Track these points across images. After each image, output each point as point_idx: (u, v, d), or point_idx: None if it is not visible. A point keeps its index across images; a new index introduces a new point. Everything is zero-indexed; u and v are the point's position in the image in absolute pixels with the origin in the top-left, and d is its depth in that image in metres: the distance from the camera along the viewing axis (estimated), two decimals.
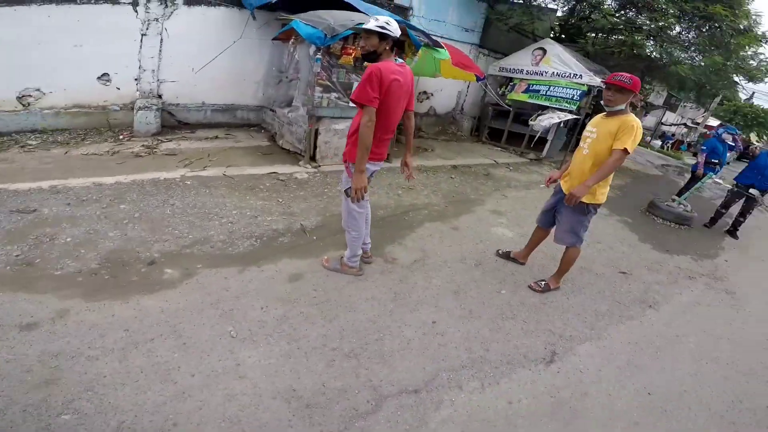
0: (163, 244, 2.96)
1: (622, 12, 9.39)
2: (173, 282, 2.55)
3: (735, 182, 6.02)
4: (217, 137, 5.65)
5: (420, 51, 5.39)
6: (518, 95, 8.59)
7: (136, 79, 5.49)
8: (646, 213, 6.21)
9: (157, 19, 5.37)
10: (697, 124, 22.59)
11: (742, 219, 5.91)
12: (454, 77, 7.22)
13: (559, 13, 10.94)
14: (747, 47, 9.14)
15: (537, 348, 2.55)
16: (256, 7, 5.48)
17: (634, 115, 2.69)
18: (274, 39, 5.62)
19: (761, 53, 9.96)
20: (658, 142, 17.83)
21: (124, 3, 5.07)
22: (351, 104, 5.12)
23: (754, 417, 2.35)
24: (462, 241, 3.92)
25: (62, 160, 4.18)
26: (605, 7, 9.55)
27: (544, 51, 8.35)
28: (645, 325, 3.10)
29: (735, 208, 6.12)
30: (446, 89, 8.96)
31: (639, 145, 2.61)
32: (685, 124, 22.53)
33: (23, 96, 4.94)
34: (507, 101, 8.74)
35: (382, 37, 2.37)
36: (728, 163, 9.22)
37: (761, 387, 2.62)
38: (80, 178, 3.78)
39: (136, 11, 5.19)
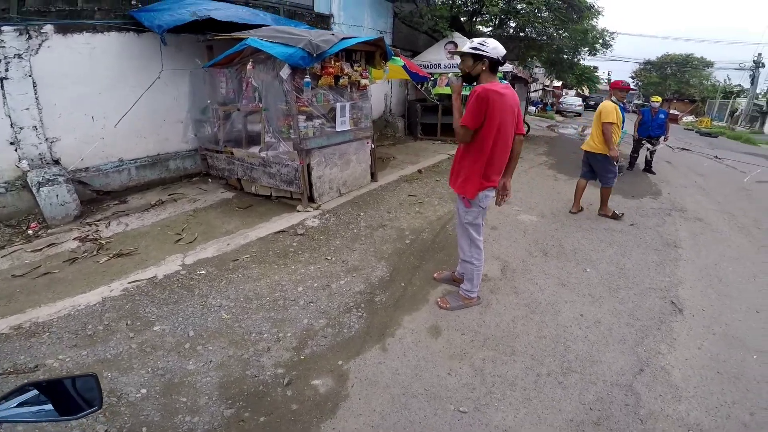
0: (269, 355, 2.36)
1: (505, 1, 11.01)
2: (337, 392, 2.14)
3: (636, 134, 8.09)
4: (161, 201, 4.61)
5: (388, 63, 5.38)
6: (443, 89, 9.25)
7: (11, 143, 4.09)
8: None
9: (19, 56, 4.08)
10: (550, 87, 29.49)
11: (650, 159, 8.02)
12: (395, 77, 7.39)
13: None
14: (587, 21, 12.08)
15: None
16: (167, 29, 4.57)
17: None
18: (211, 65, 4.82)
19: (596, 26, 13.33)
20: (532, 108, 21.60)
21: None
22: (337, 129, 4.82)
23: None
24: (511, 236, 4.23)
25: None
26: None
27: (455, 44, 9.16)
28: (696, 261, 3.88)
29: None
30: (374, 93, 9.07)
31: None
32: (543, 89, 27.82)
33: None
34: (433, 96, 9.33)
35: (477, 57, 2.46)
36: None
37: None
38: (43, 306, 2.71)
39: None
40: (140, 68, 4.87)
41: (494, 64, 2.45)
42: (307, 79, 4.20)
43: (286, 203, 4.71)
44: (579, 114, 24.98)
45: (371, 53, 5.15)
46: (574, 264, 3.65)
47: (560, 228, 4.52)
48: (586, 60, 18.24)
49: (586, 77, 21.49)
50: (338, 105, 4.76)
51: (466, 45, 2.53)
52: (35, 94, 4.18)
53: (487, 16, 11.24)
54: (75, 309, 2.67)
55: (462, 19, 11.85)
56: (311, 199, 4.66)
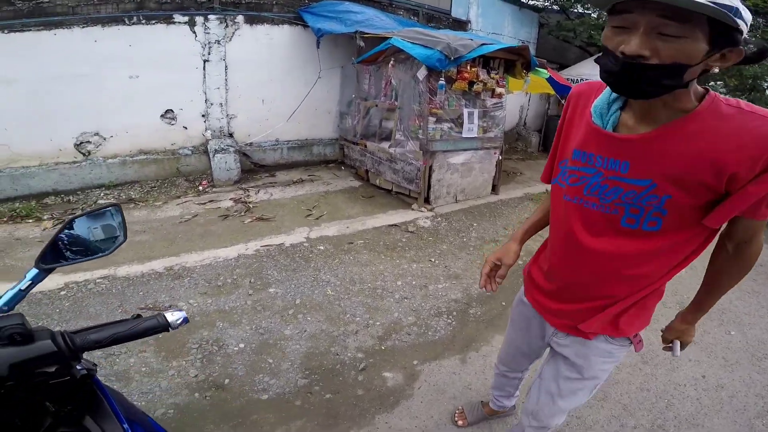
0: (356, 337, 2.43)
1: None
2: (403, 389, 2.11)
3: None
4: (301, 180, 5.12)
5: (531, 73, 5.03)
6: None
7: (203, 116, 4.96)
8: None
9: (218, 41, 4.85)
10: None
11: None
12: (536, 91, 6.89)
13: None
14: None
15: None
16: (323, 35, 5.01)
17: None
18: (359, 62, 5.17)
19: None
20: None
21: (180, 22, 4.53)
22: (463, 135, 4.70)
23: None
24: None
25: (155, 227, 3.62)
26: None
27: None
28: None
29: None
30: (509, 103, 8.64)
31: None
32: None
33: (81, 143, 4.37)
34: None
35: (726, 37, 0.82)
36: None
37: None
38: (193, 253, 3.22)
39: (194, 32, 4.66)
40: (306, 60, 5.38)
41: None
42: (442, 81, 4.17)
43: (404, 200, 4.78)
44: None
45: (511, 62, 4.86)
46: (717, 324, 2.94)
47: None
48: None
49: None
50: (468, 111, 4.62)
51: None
52: (225, 76, 4.98)
53: None
54: (215, 260, 3.12)
55: None
56: (427, 201, 4.65)
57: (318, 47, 5.21)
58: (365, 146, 5.25)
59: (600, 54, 0.86)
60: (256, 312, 2.58)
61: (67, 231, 0.79)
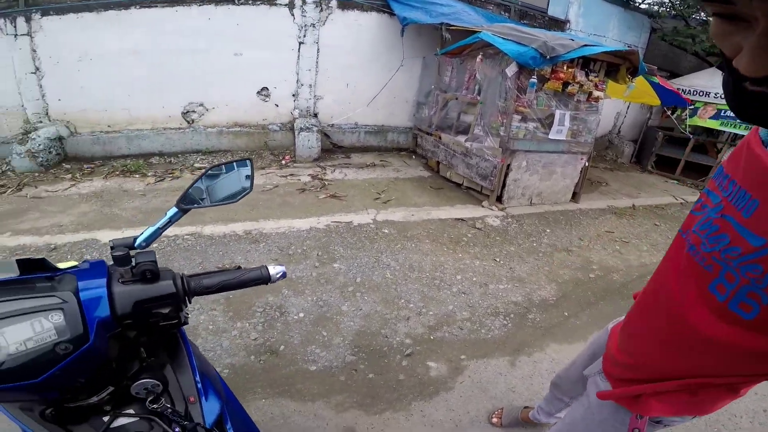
0: (407, 323, 2.42)
1: None
2: (445, 381, 2.06)
3: None
4: (374, 164, 5.20)
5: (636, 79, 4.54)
6: (704, 121, 7.30)
7: (293, 95, 5.23)
8: None
9: (313, 25, 5.03)
10: None
11: None
12: (638, 100, 6.22)
13: None
14: None
15: None
16: (408, 24, 4.95)
17: None
18: (443, 54, 5.06)
19: None
20: None
21: (281, 4, 4.77)
22: (550, 137, 4.40)
23: None
24: None
25: None
26: None
27: None
28: None
29: None
30: (605, 109, 7.93)
31: None
32: None
33: (187, 112, 4.85)
34: (683, 126, 7.49)
35: None
36: None
37: None
38: (270, 221, 3.42)
39: (293, 14, 4.87)
40: (389, 48, 5.42)
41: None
42: (533, 80, 3.92)
43: (474, 196, 4.63)
44: None
45: (614, 66, 4.42)
46: None
47: None
48: None
49: None
50: (559, 112, 4.30)
51: None
52: (317, 58, 5.18)
53: None
54: (289, 229, 3.30)
55: None
56: (499, 199, 4.45)
57: (402, 36, 5.20)
58: (440, 138, 5.15)
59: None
60: (320, 284, 2.68)
61: (205, 178, 0.85)
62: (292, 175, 4.46)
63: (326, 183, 4.34)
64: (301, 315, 2.39)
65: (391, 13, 5.23)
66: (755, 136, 0.63)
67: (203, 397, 0.74)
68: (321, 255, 2.99)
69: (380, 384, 1.99)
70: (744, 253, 0.57)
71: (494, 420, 1.86)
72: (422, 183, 4.87)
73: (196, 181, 0.85)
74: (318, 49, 5.11)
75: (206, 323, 2.25)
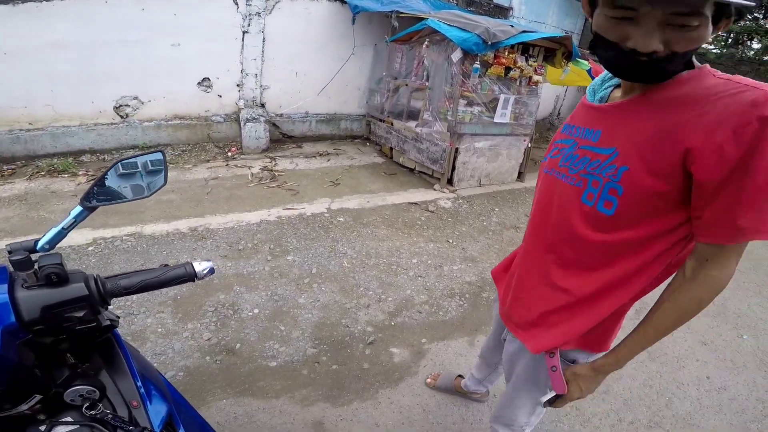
0: (367, 311, 2.38)
1: None
2: (409, 366, 2.05)
3: None
4: (327, 153, 5.06)
5: (570, 63, 4.70)
6: None
7: (238, 86, 4.92)
8: None
9: (259, 14, 4.74)
10: None
11: None
12: (574, 84, 6.49)
13: None
14: None
15: None
16: (359, 11, 4.82)
17: None
18: (393, 41, 4.98)
19: None
20: None
21: None
22: (494, 120, 4.48)
23: None
24: None
25: (183, 188, 3.64)
26: None
27: None
28: None
29: None
30: (544, 92, 8.21)
31: None
32: None
33: (120, 106, 4.42)
34: None
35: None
36: None
37: None
38: (217, 216, 3.22)
39: (237, 3, 4.56)
40: (340, 36, 5.23)
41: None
42: (477, 65, 3.95)
43: (426, 180, 4.65)
44: None
45: (551, 51, 4.56)
46: (730, 327, 2.73)
47: (735, 287, 3.42)
48: None
49: None
50: (502, 96, 4.38)
51: None
52: (262, 48, 4.89)
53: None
54: (238, 224, 3.12)
55: None
56: (450, 182, 4.50)
57: (353, 24, 5.05)
58: (392, 124, 5.10)
59: (595, 41, 0.73)
60: (273, 278, 2.56)
61: (112, 172, 0.77)
62: (239, 167, 4.23)
63: (276, 174, 4.16)
64: (256, 311, 2.27)
65: (342, 1, 5.05)
66: (584, 97, 0.94)
67: (147, 401, 0.71)
68: (273, 248, 2.86)
69: (345, 374, 1.94)
70: (603, 161, 0.78)
71: (428, 381, 1.92)
72: (376, 169, 4.81)
73: (103, 176, 0.75)
74: (264, 38, 4.83)
75: (154, 326, 2.08)
